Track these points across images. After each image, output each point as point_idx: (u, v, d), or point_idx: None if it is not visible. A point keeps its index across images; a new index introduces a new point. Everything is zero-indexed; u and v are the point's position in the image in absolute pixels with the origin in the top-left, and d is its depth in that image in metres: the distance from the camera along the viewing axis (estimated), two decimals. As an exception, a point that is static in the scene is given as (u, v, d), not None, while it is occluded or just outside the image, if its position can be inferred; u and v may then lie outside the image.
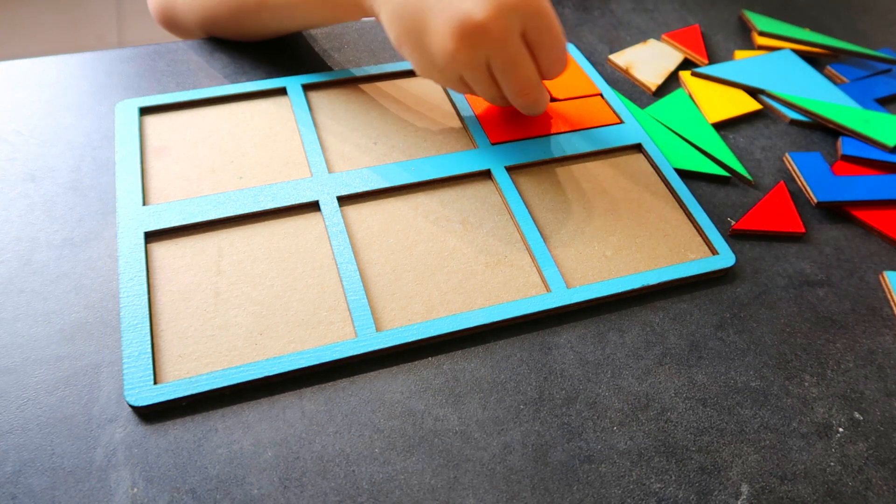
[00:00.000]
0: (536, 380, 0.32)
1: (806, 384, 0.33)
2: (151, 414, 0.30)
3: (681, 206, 0.40)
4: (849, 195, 0.42)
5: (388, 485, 0.29)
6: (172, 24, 0.51)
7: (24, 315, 0.32)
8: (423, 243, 0.36)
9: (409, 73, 0.46)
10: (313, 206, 0.38)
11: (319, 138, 0.41)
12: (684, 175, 0.43)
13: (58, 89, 0.43)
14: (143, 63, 0.46)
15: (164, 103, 0.42)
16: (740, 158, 0.44)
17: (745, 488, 0.30)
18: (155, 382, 0.30)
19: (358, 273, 0.34)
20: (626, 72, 0.50)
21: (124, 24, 1.57)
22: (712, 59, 0.52)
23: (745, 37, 0.55)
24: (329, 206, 0.37)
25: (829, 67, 0.52)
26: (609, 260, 0.37)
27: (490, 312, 0.33)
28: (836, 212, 0.42)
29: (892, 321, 0.37)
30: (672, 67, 0.50)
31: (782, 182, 0.42)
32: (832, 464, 0.31)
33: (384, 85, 0.45)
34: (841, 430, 0.32)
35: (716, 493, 0.29)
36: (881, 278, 0.38)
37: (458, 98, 0.44)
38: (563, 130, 0.43)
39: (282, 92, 0.44)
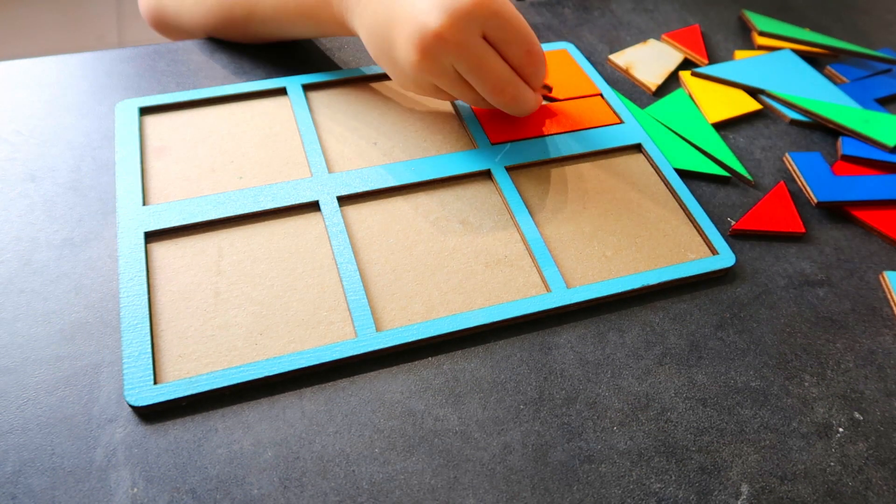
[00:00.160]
0: (536, 380, 0.32)
1: (806, 384, 0.33)
2: (151, 414, 0.30)
3: (681, 207, 0.40)
4: (849, 195, 0.42)
5: (388, 485, 0.29)
6: (163, 26, 0.52)
7: (24, 315, 0.32)
8: (423, 243, 0.36)
9: None
10: (313, 206, 0.38)
11: (319, 138, 0.41)
12: (684, 175, 0.43)
13: (58, 89, 0.43)
14: (143, 63, 0.46)
15: (164, 103, 0.42)
16: (740, 158, 0.44)
17: (745, 488, 0.30)
18: (155, 382, 0.30)
19: (358, 273, 0.34)
20: (626, 72, 0.50)
21: (124, 24, 1.57)
22: (712, 59, 0.52)
23: (745, 37, 0.55)
24: (329, 206, 0.37)
25: (829, 67, 0.52)
26: (609, 260, 0.37)
27: (490, 312, 0.33)
28: (836, 212, 0.42)
29: (892, 321, 0.37)
30: (672, 67, 0.50)
31: (782, 182, 0.42)
32: (832, 464, 0.31)
33: (384, 85, 0.45)
34: (841, 430, 0.32)
35: (716, 493, 0.29)
36: (881, 278, 0.38)
37: None
38: (563, 130, 0.43)
39: (282, 92, 0.44)
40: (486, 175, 0.40)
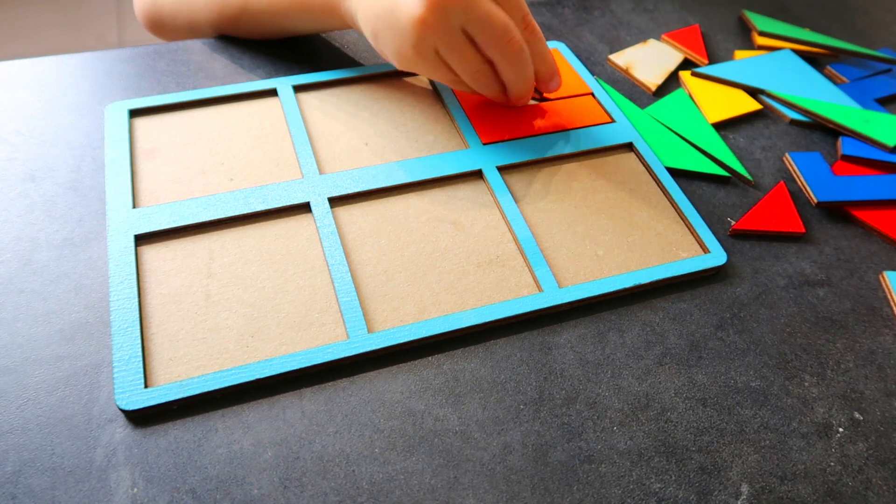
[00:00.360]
0: (536, 380, 0.32)
1: (806, 384, 0.33)
2: (142, 417, 0.30)
3: (672, 205, 0.40)
4: (849, 195, 0.42)
5: (388, 485, 0.29)
6: (159, 27, 0.52)
7: (24, 315, 0.32)
8: (415, 244, 0.36)
9: (401, 74, 0.46)
10: (304, 208, 0.37)
11: (310, 139, 0.41)
12: (684, 175, 0.43)
13: (58, 89, 0.43)
14: (143, 63, 0.46)
15: (154, 105, 0.42)
16: (740, 158, 0.44)
17: (745, 488, 0.30)
18: (146, 386, 0.30)
19: (349, 274, 0.34)
20: (626, 72, 0.50)
21: (124, 24, 1.57)
22: (712, 59, 0.52)
23: (745, 37, 0.55)
24: (320, 207, 0.37)
25: (829, 67, 0.52)
26: (601, 259, 0.37)
27: (482, 313, 0.33)
28: (836, 212, 0.42)
29: (892, 321, 0.37)
30: (672, 67, 0.50)
31: (782, 182, 0.42)
32: (832, 464, 0.31)
33: (375, 85, 0.45)
34: (841, 430, 0.32)
35: (716, 493, 0.29)
36: (881, 278, 0.38)
37: (450, 98, 0.44)
38: (554, 130, 0.43)
39: (272, 93, 0.44)
40: (477, 175, 0.40)
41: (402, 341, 0.32)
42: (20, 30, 1.54)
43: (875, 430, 0.32)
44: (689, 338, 0.35)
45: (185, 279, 0.34)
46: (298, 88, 0.44)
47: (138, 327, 0.31)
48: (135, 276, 0.33)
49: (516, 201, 0.39)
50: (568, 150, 0.42)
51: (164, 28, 0.52)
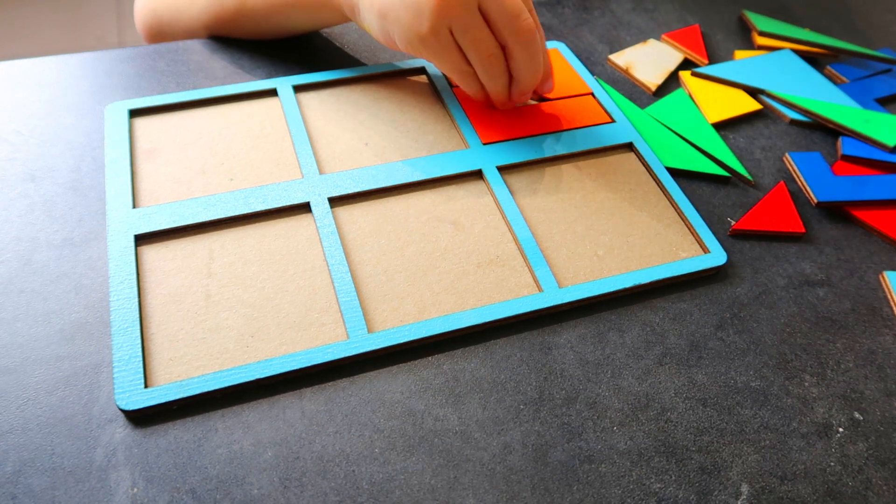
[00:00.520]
0: (536, 380, 0.32)
1: (806, 384, 0.33)
2: (142, 417, 0.30)
3: (672, 205, 0.40)
4: (849, 195, 0.42)
5: (388, 485, 0.29)
6: (160, 38, 0.53)
7: (24, 315, 0.32)
8: (415, 244, 0.36)
9: (400, 74, 0.46)
10: (304, 208, 0.37)
11: (310, 139, 0.41)
12: (684, 175, 0.43)
13: (58, 89, 0.43)
14: (143, 63, 0.46)
15: (154, 105, 0.42)
16: (740, 158, 0.44)
17: (745, 488, 0.30)
18: (146, 386, 0.30)
19: (349, 274, 0.34)
20: (626, 72, 0.50)
21: (124, 24, 1.57)
22: (712, 59, 0.52)
23: (745, 37, 0.55)
24: (320, 207, 0.37)
25: (829, 67, 0.52)
26: (601, 259, 0.37)
27: (482, 313, 0.33)
28: (836, 212, 0.42)
29: (892, 321, 0.37)
30: (672, 67, 0.50)
31: (782, 182, 0.42)
32: (832, 464, 0.31)
33: (375, 85, 0.45)
34: (841, 430, 0.32)
35: (716, 493, 0.29)
36: (881, 278, 0.38)
37: (450, 98, 0.44)
38: (554, 130, 0.43)
39: (272, 93, 0.44)
40: (477, 175, 0.40)
41: (402, 341, 0.32)
42: (20, 30, 1.54)
43: (875, 430, 0.32)
44: (689, 338, 0.35)
45: (185, 279, 0.34)
46: (298, 88, 0.44)
47: (138, 327, 0.31)
48: (135, 276, 0.33)
49: (516, 201, 0.39)
50: (568, 150, 0.42)
51: (165, 39, 0.52)
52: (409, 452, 0.30)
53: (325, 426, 0.30)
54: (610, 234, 0.38)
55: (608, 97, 0.46)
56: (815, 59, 0.53)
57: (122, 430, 0.29)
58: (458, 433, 0.30)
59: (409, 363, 0.32)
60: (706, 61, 0.51)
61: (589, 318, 0.35)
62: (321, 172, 0.39)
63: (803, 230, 0.40)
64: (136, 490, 0.28)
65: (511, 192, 0.39)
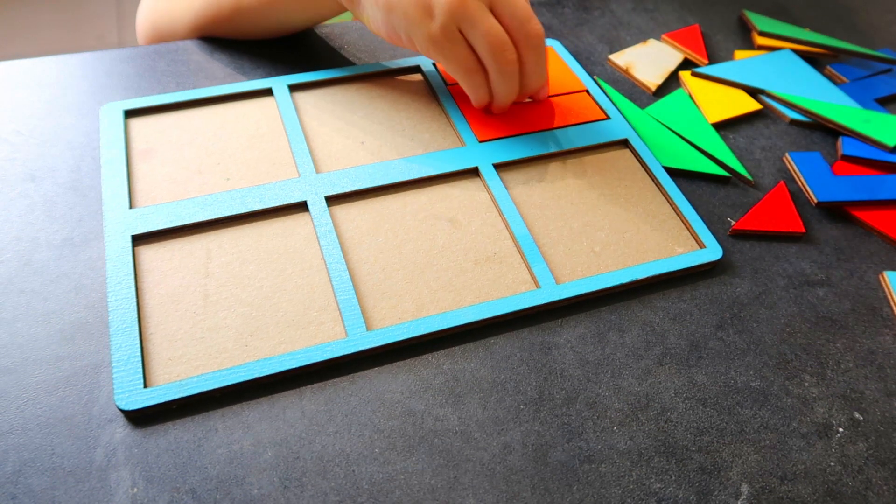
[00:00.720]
0: (536, 380, 0.32)
1: (806, 384, 0.33)
2: (142, 417, 0.30)
3: (668, 201, 0.40)
4: (849, 195, 0.42)
5: (388, 485, 0.29)
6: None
7: (24, 315, 0.32)
8: (412, 242, 0.36)
9: (397, 72, 0.46)
10: (301, 207, 0.37)
11: (306, 138, 0.41)
12: (684, 175, 0.43)
13: (58, 89, 0.43)
14: (143, 63, 0.46)
15: (150, 105, 0.42)
16: (740, 158, 0.44)
17: (745, 488, 0.30)
18: (145, 386, 0.30)
19: (347, 273, 0.34)
20: (626, 72, 0.50)
21: (124, 24, 1.57)
22: (712, 59, 0.52)
23: (745, 37, 0.55)
24: (317, 206, 0.37)
25: (829, 67, 0.52)
26: (597, 255, 0.37)
27: (480, 310, 0.33)
28: (836, 212, 0.42)
29: (892, 321, 0.37)
30: (672, 67, 0.50)
31: (782, 182, 0.42)
32: (832, 464, 0.31)
33: (370, 84, 0.45)
34: (841, 430, 0.32)
35: (716, 493, 0.29)
36: (881, 278, 0.38)
37: (445, 97, 0.44)
38: (549, 127, 0.43)
39: (268, 93, 0.44)
40: (473, 173, 0.40)
41: (400, 339, 0.32)
42: (20, 30, 1.54)
43: (875, 430, 0.32)
44: (689, 338, 0.35)
45: (183, 279, 0.34)
46: (294, 88, 0.44)
47: (137, 327, 0.31)
48: (132, 276, 0.33)
49: (512, 198, 0.39)
50: (563, 147, 0.42)
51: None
52: (409, 452, 0.30)
53: (325, 426, 0.30)
54: (606, 231, 0.38)
55: (603, 94, 0.46)
56: (815, 59, 0.53)
57: (122, 430, 0.29)
58: (458, 433, 0.30)
59: (408, 363, 0.32)
60: (706, 61, 0.51)
61: (589, 318, 0.35)
62: (318, 171, 0.39)
63: (803, 230, 0.40)
64: (136, 490, 0.28)
65: (507, 190, 0.39)
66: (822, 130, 0.47)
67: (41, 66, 0.45)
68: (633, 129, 0.44)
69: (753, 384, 0.33)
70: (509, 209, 0.38)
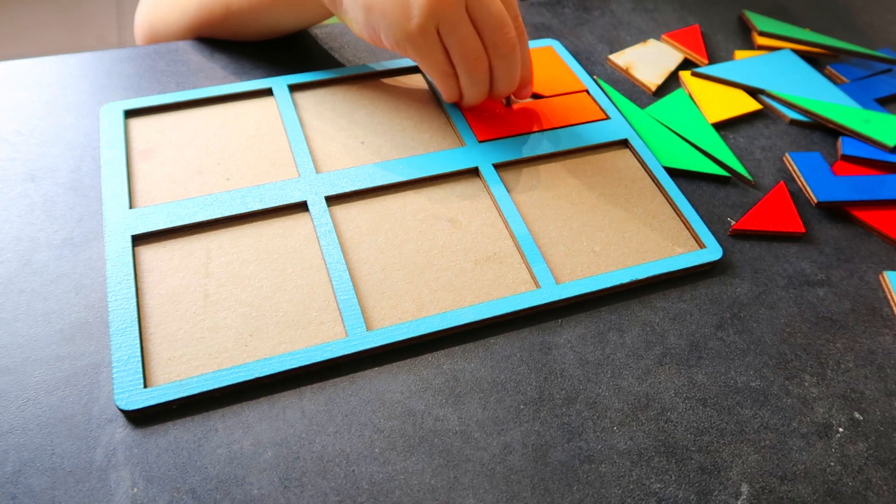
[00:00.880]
0: (536, 380, 0.32)
1: (806, 384, 0.33)
2: (142, 417, 0.30)
3: (668, 201, 0.40)
4: (849, 195, 0.42)
5: (388, 485, 0.29)
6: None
7: (24, 315, 0.32)
8: (412, 242, 0.36)
9: (396, 72, 0.46)
10: (301, 207, 0.37)
11: (306, 138, 0.41)
12: (684, 175, 0.43)
13: (58, 89, 0.43)
14: (143, 63, 0.46)
15: (150, 105, 0.42)
16: (740, 158, 0.44)
17: (745, 488, 0.30)
18: (145, 386, 0.30)
19: (347, 273, 0.34)
20: (626, 72, 0.50)
21: (124, 24, 1.57)
22: (712, 59, 0.52)
23: (745, 37, 0.55)
24: (317, 206, 0.37)
25: (829, 67, 0.52)
26: (598, 255, 0.37)
27: (480, 310, 0.33)
28: (836, 212, 0.42)
29: (892, 321, 0.37)
30: (672, 67, 0.50)
31: (782, 182, 0.42)
32: (832, 464, 0.31)
33: (371, 84, 0.45)
34: (841, 430, 0.32)
35: (716, 493, 0.29)
36: (881, 278, 0.38)
37: None
38: (549, 127, 0.43)
39: (268, 93, 0.44)
40: (473, 173, 0.40)
41: (400, 339, 0.32)
42: (20, 30, 1.54)
43: (875, 430, 0.32)
44: (689, 338, 0.35)
45: (183, 279, 0.34)
46: (294, 88, 0.44)
47: (137, 327, 0.31)
48: (132, 276, 0.33)
49: (512, 198, 0.39)
50: (563, 147, 0.42)
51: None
52: (409, 452, 0.30)
53: (325, 426, 0.30)
54: (606, 231, 0.38)
55: (603, 94, 0.46)
56: (815, 59, 0.53)
57: (122, 430, 0.29)
58: (458, 433, 0.30)
59: (408, 363, 0.32)
60: (706, 61, 0.51)
61: (589, 318, 0.35)
62: (318, 171, 0.39)
63: (803, 230, 0.40)
64: (136, 490, 0.28)
65: (507, 190, 0.39)
66: (822, 130, 0.47)
67: (41, 66, 0.45)
68: (633, 129, 0.44)
69: (753, 384, 0.33)
70: (509, 209, 0.38)
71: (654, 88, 0.48)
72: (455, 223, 0.38)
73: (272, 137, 0.41)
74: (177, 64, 0.46)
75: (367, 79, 0.45)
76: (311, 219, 0.37)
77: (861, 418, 0.32)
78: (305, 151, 0.40)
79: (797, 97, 0.48)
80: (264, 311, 0.33)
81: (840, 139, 0.46)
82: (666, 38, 0.53)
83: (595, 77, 0.49)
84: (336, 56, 0.47)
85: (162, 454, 0.29)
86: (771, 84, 0.49)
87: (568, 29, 0.53)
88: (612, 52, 0.51)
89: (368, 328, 0.33)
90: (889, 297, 0.38)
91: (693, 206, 0.40)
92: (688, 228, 0.39)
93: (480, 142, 0.42)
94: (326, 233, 0.36)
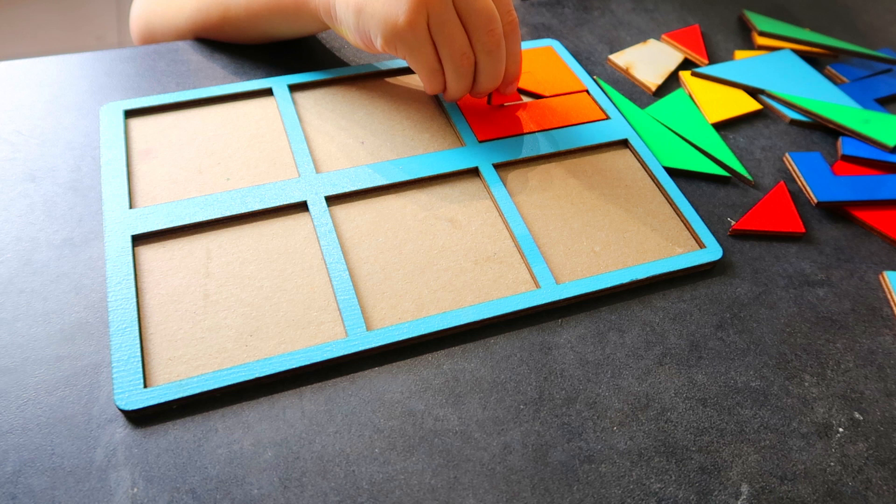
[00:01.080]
0: (536, 380, 0.32)
1: (806, 384, 0.33)
2: (142, 417, 0.30)
3: (668, 201, 0.40)
4: (849, 195, 0.42)
5: (388, 485, 0.29)
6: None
7: (24, 315, 0.32)
8: (412, 242, 0.36)
9: (396, 72, 0.46)
10: (301, 207, 0.37)
11: (306, 138, 0.41)
12: (684, 175, 0.43)
13: (58, 89, 0.43)
14: (143, 63, 0.46)
15: (150, 105, 0.42)
16: (740, 158, 0.44)
17: (745, 488, 0.30)
18: (145, 386, 0.30)
19: (347, 273, 0.34)
20: (626, 72, 0.50)
21: (124, 24, 1.57)
22: (712, 59, 0.52)
23: (745, 37, 0.55)
24: (317, 206, 0.37)
25: (829, 67, 0.52)
26: (598, 255, 0.37)
27: (480, 310, 0.33)
28: (836, 212, 0.42)
29: (892, 321, 0.37)
30: (672, 67, 0.50)
31: (782, 182, 0.42)
32: (832, 464, 0.31)
33: (371, 84, 0.45)
34: (841, 430, 0.32)
35: (716, 493, 0.29)
36: (881, 278, 0.38)
37: None
38: (549, 127, 0.43)
39: (268, 93, 0.44)
40: (473, 173, 0.40)
41: (400, 339, 0.32)
42: (20, 30, 1.54)
43: (875, 430, 0.32)
44: (689, 338, 0.35)
45: (184, 279, 0.34)
46: (294, 88, 0.44)
47: (137, 327, 0.31)
48: (132, 276, 0.33)
49: (512, 198, 0.39)
50: (563, 147, 0.42)
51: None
52: (409, 452, 0.30)
53: (325, 426, 0.30)
54: (606, 231, 0.38)
55: (603, 94, 0.46)
56: (815, 59, 0.53)
57: (121, 430, 0.29)
58: (458, 433, 0.30)
59: (408, 363, 0.32)
60: (706, 61, 0.51)
61: (589, 318, 0.35)
62: (318, 171, 0.39)
63: (803, 230, 0.40)
64: (136, 490, 0.28)
65: (507, 190, 0.39)
66: (822, 130, 0.47)
67: (41, 66, 0.45)
68: (633, 129, 0.44)
69: (753, 384, 0.33)
70: (509, 209, 0.38)
71: (654, 88, 0.48)
72: (455, 223, 0.38)
73: (272, 137, 0.41)
74: (177, 64, 0.46)
75: (367, 79, 0.46)
76: (312, 219, 0.37)
77: (861, 418, 0.32)
78: (305, 151, 0.40)
79: (797, 97, 0.48)
80: (264, 311, 0.33)
81: (840, 139, 0.46)
82: (666, 38, 0.53)
83: (595, 77, 0.49)
84: (336, 56, 0.47)
85: (162, 454, 0.29)
86: (771, 84, 0.49)
87: (568, 29, 0.53)
88: (612, 52, 0.51)
89: (368, 328, 0.33)
90: (889, 297, 0.38)
91: (693, 206, 0.40)
92: (688, 228, 0.39)
93: (480, 142, 0.42)
94: (326, 233, 0.36)
